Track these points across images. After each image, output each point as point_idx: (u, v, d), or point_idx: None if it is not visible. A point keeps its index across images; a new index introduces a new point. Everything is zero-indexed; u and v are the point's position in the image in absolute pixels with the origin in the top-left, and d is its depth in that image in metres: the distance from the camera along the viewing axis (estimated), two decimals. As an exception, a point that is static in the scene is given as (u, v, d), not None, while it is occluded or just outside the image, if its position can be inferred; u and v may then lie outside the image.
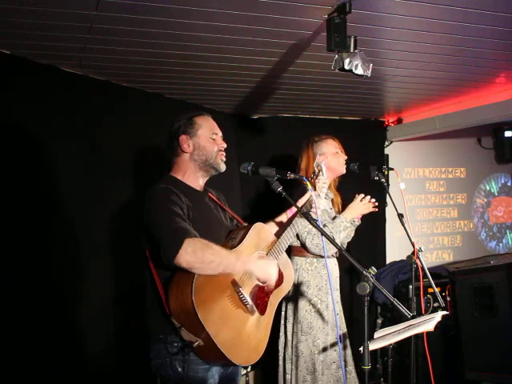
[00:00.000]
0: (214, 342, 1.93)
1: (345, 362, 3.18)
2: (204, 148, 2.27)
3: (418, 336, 3.29)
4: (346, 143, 3.34)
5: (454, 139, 5.38)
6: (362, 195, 3.15)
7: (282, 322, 3.21)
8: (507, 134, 5.41)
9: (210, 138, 2.30)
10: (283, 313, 3.22)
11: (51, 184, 2.97)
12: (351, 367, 3.21)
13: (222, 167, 2.34)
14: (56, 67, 3.04)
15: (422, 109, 4.59)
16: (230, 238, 2.26)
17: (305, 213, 2.39)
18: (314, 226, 2.39)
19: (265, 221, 2.51)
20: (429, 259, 5.29)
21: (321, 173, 2.62)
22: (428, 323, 2.21)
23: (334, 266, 3.22)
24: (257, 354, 2.18)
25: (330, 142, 3.25)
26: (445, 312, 2.40)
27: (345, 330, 3.24)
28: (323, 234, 2.32)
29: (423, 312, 3.85)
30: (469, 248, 5.59)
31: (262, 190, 4.27)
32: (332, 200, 3.34)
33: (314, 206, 2.53)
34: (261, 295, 2.22)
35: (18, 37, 2.58)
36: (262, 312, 2.20)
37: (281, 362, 3.22)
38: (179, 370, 2.04)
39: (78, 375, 2.99)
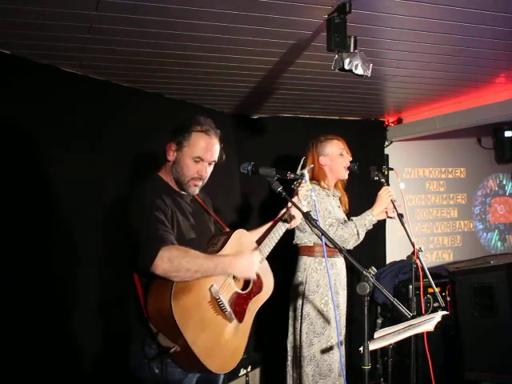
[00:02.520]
0: (191, 349, 1.91)
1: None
2: (182, 168, 2.17)
3: (418, 336, 3.29)
4: (346, 143, 3.35)
5: (454, 139, 5.38)
6: (388, 188, 3.15)
7: (291, 321, 3.19)
8: (507, 133, 5.41)
9: (192, 160, 2.16)
10: (291, 312, 3.20)
11: (51, 184, 2.97)
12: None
13: (191, 192, 2.23)
14: (56, 67, 3.04)
15: (422, 109, 4.59)
16: (211, 244, 2.23)
17: (305, 213, 2.39)
18: (314, 226, 2.40)
19: (248, 228, 2.49)
20: (429, 259, 5.29)
21: (303, 181, 2.58)
22: (428, 323, 2.21)
23: (341, 266, 3.21)
24: (234, 361, 2.15)
25: (335, 143, 3.24)
26: (445, 312, 2.40)
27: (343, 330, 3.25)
28: (323, 234, 2.32)
29: (423, 312, 3.85)
30: (469, 248, 5.59)
31: (262, 190, 4.27)
32: (340, 199, 3.34)
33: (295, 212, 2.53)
34: (239, 302, 2.19)
35: (18, 37, 2.58)
36: (241, 319, 2.18)
37: (289, 363, 3.19)
38: (156, 371, 2.01)
39: (78, 375, 2.99)
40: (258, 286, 2.31)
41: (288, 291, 3.33)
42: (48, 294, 2.85)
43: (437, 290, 3.11)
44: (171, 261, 1.90)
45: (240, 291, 2.21)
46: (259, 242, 2.42)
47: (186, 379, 2.09)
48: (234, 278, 2.19)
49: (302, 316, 3.11)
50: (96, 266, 3.18)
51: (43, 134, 2.92)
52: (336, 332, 3.06)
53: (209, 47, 2.76)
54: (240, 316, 2.17)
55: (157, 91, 3.70)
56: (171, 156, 2.18)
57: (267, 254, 2.41)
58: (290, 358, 3.20)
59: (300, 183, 2.59)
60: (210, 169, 2.25)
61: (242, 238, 2.32)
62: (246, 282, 2.28)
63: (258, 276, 2.32)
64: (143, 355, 2.02)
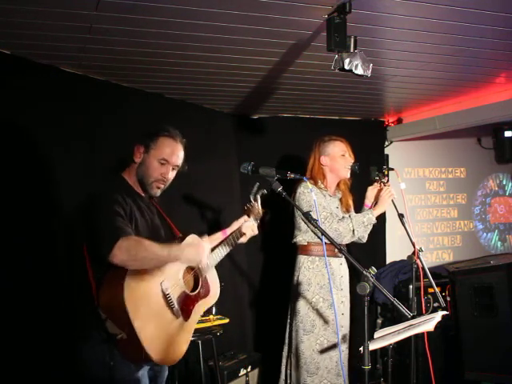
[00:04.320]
0: (137, 336, 1.98)
1: (350, 362, 3.19)
2: (148, 169, 2.26)
3: (418, 336, 3.30)
4: (350, 145, 3.35)
5: (454, 139, 5.38)
6: (389, 188, 3.20)
7: (288, 319, 3.23)
8: (507, 134, 5.41)
9: (157, 162, 2.26)
10: (289, 310, 3.23)
11: (51, 184, 2.97)
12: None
13: (153, 194, 2.32)
14: (56, 67, 3.04)
15: (422, 109, 4.59)
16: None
17: (305, 213, 2.40)
18: (314, 225, 2.41)
19: (200, 235, 2.54)
20: (429, 259, 5.29)
21: (256, 204, 2.77)
22: (428, 323, 2.21)
23: (338, 266, 3.21)
24: (176, 355, 2.23)
25: (338, 144, 3.25)
26: (445, 312, 2.41)
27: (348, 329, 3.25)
28: (323, 233, 2.33)
29: (423, 312, 3.85)
30: (469, 248, 5.59)
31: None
32: (340, 199, 3.34)
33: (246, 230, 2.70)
34: (187, 302, 2.28)
35: (18, 37, 2.58)
36: (186, 318, 2.26)
37: (284, 360, 3.23)
38: (111, 363, 2.06)
39: (78, 375, 2.99)
40: (205, 290, 2.42)
41: (286, 291, 3.35)
42: (48, 293, 2.85)
43: (437, 289, 3.11)
44: (128, 250, 1.99)
45: (188, 292, 2.31)
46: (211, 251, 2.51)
47: (141, 371, 2.15)
48: (183, 278, 2.28)
49: (294, 313, 3.15)
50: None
51: (43, 133, 2.92)
52: (333, 332, 3.08)
53: (209, 47, 2.76)
54: (186, 315, 2.26)
55: (157, 91, 3.70)
56: (138, 158, 2.27)
57: (216, 263, 2.52)
58: (284, 355, 3.23)
59: (252, 205, 2.78)
60: (172, 174, 2.34)
61: (193, 243, 2.39)
62: (195, 285, 2.37)
63: (207, 281, 2.43)
64: (92, 342, 2.09)
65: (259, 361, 3.92)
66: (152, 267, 2.09)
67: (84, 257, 2.14)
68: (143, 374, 2.18)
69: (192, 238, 2.37)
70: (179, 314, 2.21)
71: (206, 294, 2.41)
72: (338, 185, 3.36)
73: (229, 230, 2.69)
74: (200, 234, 2.50)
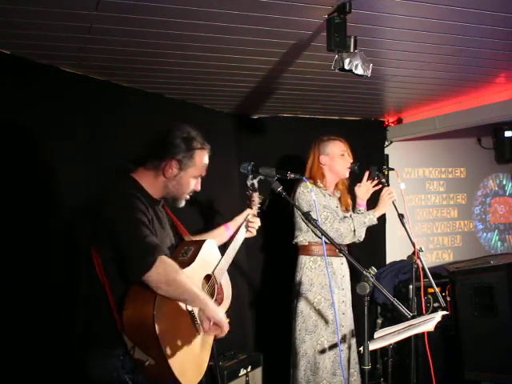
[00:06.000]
0: (167, 363, 1.87)
1: (348, 362, 3.19)
2: (182, 186, 2.13)
3: (418, 336, 3.30)
4: (349, 145, 3.35)
5: (454, 139, 5.38)
6: (389, 189, 3.23)
7: (292, 320, 3.24)
8: (507, 134, 5.41)
9: (193, 179, 2.16)
10: (292, 310, 3.24)
11: (51, 184, 2.97)
12: (353, 370, 3.20)
13: (181, 205, 2.20)
14: (56, 67, 3.04)
15: (422, 109, 4.59)
16: (180, 252, 2.17)
17: (304, 213, 2.40)
18: (314, 225, 2.41)
19: (204, 231, 2.49)
20: (429, 259, 5.29)
21: (255, 191, 2.61)
22: (428, 323, 2.22)
23: (339, 266, 3.21)
24: (199, 375, 2.11)
25: (337, 144, 3.27)
26: (445, 312, 2.41)
27: (351, 328, 3.25)
28: (323, 233, 2.33)
29: (423, 312, 3.85)
30: (469, 248, 5.59)
31: (262, 190, 4.27)
32: (339, 199, 3.35)
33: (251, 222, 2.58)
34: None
35: (18, 37, 2.58)
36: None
37: (291, 360, 3.25)
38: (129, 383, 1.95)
39: (78, 375, 2.99)
40: (220, 297, 2.31)
41: (286, 291, 3.35)
42: (48, 294, 2.85)
43: (437, 289, 3.12)
44: (166, 274, 1.87)
45: None
46: (222, 251, 2.39)
47: None
48: (203, 289, 2.17)
49: (296, 314, 3.16)
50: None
51: (43, 134, 2.92)
52: (332, 332, 3.09)
53: (209, 47, 2.76)
54: None
55: (157, 91, 3.70)
56: (170, 174, 2.10)
57: (228, 265, 2.38)
58: (293, 355, 3.24)
59: (251, 195, 2.61)
60: None
61: (210, 250, 2.28)
62: (211, 293, 2.25)
63: (221, 286, 2.32)
64: (112, 365, 1.95)
65: (259, 361, 3.91)
66: (177, 298, 1.96)
67: (93, 266, 1.98)
68: None
69: (209, 244, 2.26)
70: (201, 328, 2.08)
71: (221, 301, 2.31)
72: (336, 184, 3.36)
73: (232, 225, 2.56)
74: (201, 232, 2.46)
